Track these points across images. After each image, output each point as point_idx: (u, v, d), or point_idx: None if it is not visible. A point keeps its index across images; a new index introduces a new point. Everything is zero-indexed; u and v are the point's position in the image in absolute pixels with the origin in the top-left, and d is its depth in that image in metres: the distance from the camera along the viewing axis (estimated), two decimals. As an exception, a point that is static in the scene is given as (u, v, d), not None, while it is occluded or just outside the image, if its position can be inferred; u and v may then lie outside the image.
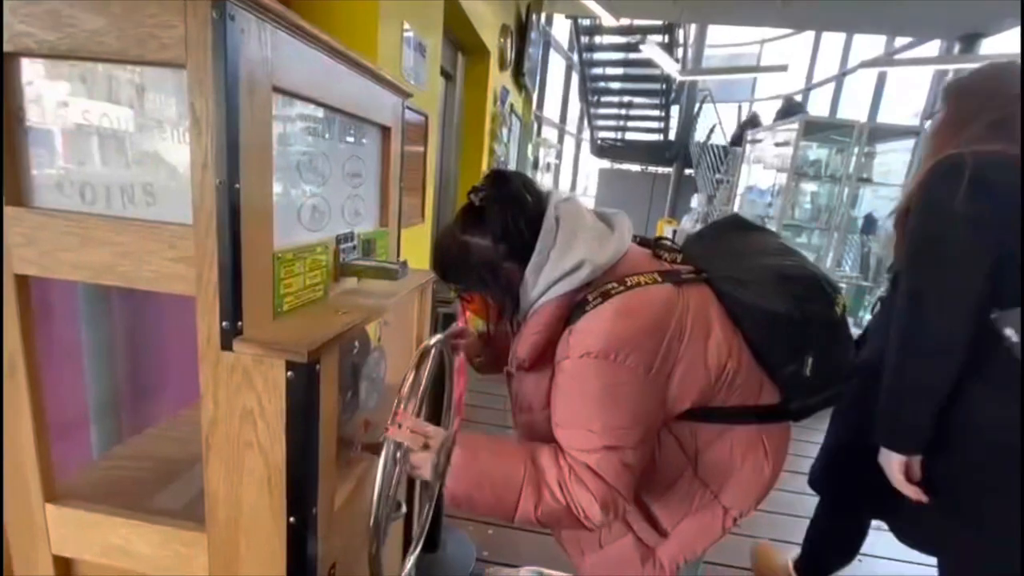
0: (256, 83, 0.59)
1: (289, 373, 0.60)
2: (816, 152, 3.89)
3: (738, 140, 7.49)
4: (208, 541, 0.68)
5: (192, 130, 0.56)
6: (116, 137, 0.60)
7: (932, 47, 5.65)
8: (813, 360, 0.85)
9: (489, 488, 0.72)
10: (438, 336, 0.93)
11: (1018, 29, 4.39)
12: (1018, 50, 4.47)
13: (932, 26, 5.02)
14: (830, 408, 1.02)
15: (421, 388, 0.79)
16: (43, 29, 0.56)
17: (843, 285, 3.69)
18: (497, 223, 0.79)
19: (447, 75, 2.93)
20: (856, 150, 3.31)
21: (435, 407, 1.28)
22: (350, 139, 0.89)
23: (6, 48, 0.58)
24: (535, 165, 5.75)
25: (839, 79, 7.31)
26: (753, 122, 7.31)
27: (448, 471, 0.70)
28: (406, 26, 1.72)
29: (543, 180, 6.12)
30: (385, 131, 1.01)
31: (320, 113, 0.77)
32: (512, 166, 4.55)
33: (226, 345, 0.61)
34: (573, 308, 0.77)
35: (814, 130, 3.50)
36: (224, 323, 0.60)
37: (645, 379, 0.74)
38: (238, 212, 0.58)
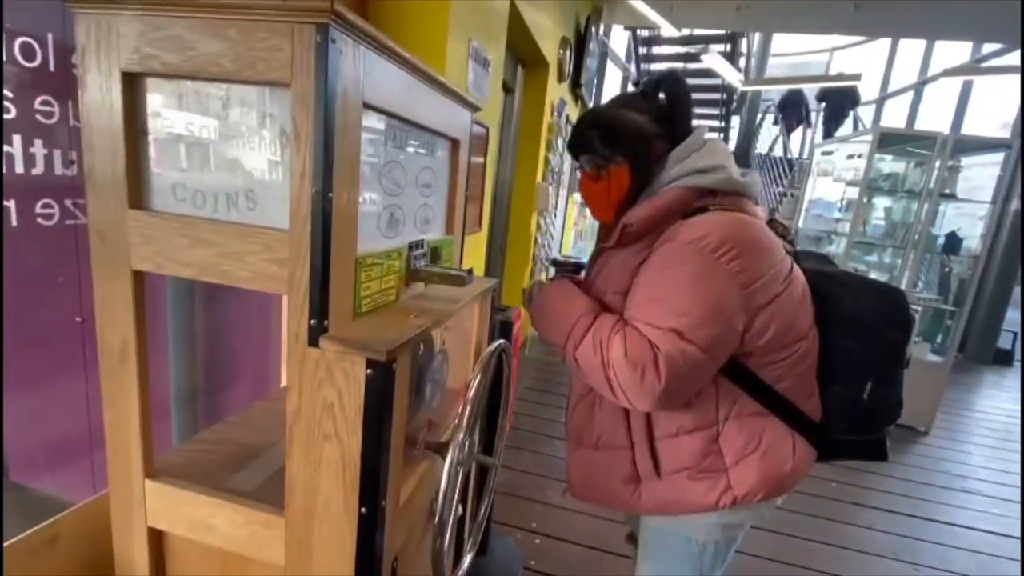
0: (349, 100, 0.63)
1: (369, 370, 0.64)
2: (891, 165, 3.67)
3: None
4: (285, 524, 0.73)
5: (292, 143, 0.61)
6: (223, 149, 0.67)
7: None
8: (871, 387, 0.85)
9: (550, 318, 0.88)
10: (499, 342, 0.95)
11: None
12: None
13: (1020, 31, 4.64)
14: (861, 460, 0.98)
15: (483, 392, 0.82)
16: (168, 52, 0.63)
17: (919, 308, 3.45)
18: (666, 106, 0.88)
19: (507, 88, 2.99)
20: (938, 163, 3.10)
21: (489, 408, 1.30)
22: (424, 151, 0.93)
23: (135, 69, 0.65)
24: (589, 176, 5.72)
25: (918, 88, 6.88)
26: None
27: (534, 297, 0.94)
28: (473, 42, 1.78)
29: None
30: (455, 143, 1.05)
31: (400, 126, 0.82)
32: (566, 176, 4.57)
33: (313, 342, 0.65)
34: (693, 206, 0.82)
35: (890, 142, 3.31)
36: (312, 321, 0.65)
37: (738, 291, 0.75)
38: (330, 219, 0.62)
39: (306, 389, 0.68)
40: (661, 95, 0.89)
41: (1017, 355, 5.55)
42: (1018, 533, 2.28)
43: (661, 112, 0.88)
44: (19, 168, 0.83)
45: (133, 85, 0.66)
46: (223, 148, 0.67)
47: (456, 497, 0.77)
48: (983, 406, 4.09)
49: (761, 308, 0.78)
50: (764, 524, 2.11)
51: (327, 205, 0.62)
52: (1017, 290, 5.43)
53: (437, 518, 0.71)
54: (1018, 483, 2.75)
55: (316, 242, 0.63)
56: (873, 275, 3.75)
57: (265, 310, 1.43)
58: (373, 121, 0.74)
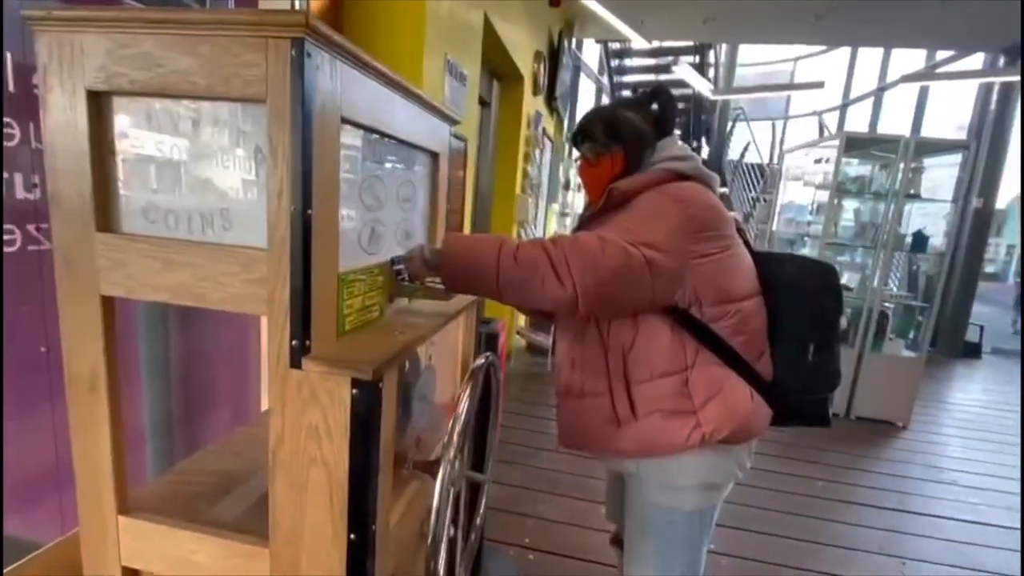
0: (327, 115, 0.62)
1: (354, 390, 0.62)
2: (857, 168, 3.79)
3: None
4: (270, 555, 0.70)
5: (269, 160, 0.59)
6: (196, 168, 0.65)
7: (976, 59, 5.49)
8: (814, 350, 1.00)
9: (473, 249, 0.86)
10: (486, 355, 0.94)
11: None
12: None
13: (975, 38, 4.88)
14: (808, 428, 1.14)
15: (473, 407, 0.80)
16: (136, 69, 0.61)
17: (890, 304, 3.54)
18: (658, 111, 1.06)
19: (483, 102, 3.00)
20: (902, 165, 3.21)
21: (478, 423, 1.28)
22: (404, 165, 0.92)
23: (101, 88, 0.63)
24: (566, 186, 5.78)
25: (878, 94, 7.15)
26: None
27: (437, 257, 0.86)
28: (449, 56, 1.78)
29: (573, 201, 6.15)
30: (434, 157, 1.04)
31: (379, 141, 0.81)
32: (544, 187, 4.60)
33: (295, 363, 0.63)
34: (668, 182, 0.98)
35: (856, 145, 3.42)
36: (294, 342, 0.63)
37: (688, 231, 0.91)
38: (310, 237, 0.61)
39: (289, 412, 0.65)
40: (653, 104, 1.07)
41: (985, 348, 5.74)
42: (997, 522, 2.33)
43: (652, 115, 1.06)
44: (-22, 193, 0.79)
45: (99, 104, 0.64)
46: (196, 167, 0.65)
47: (449, 517, 0.75)
48: (956, 399, 4.21)
49: (705, 256, 0.93)
50: (750, 526, 2.11)
51: (306, 223, 0.60)
52: (981, 285, 5.63)
53: (430, 540, 0.69)
54: (991, 472, 2.83)
55: (296, 261, 0.61)
56: (846, 275, 3.85)
57: (243, 331, 1.39)
58: (351, 136, 0.72)
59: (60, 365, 0.70)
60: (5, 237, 0.83)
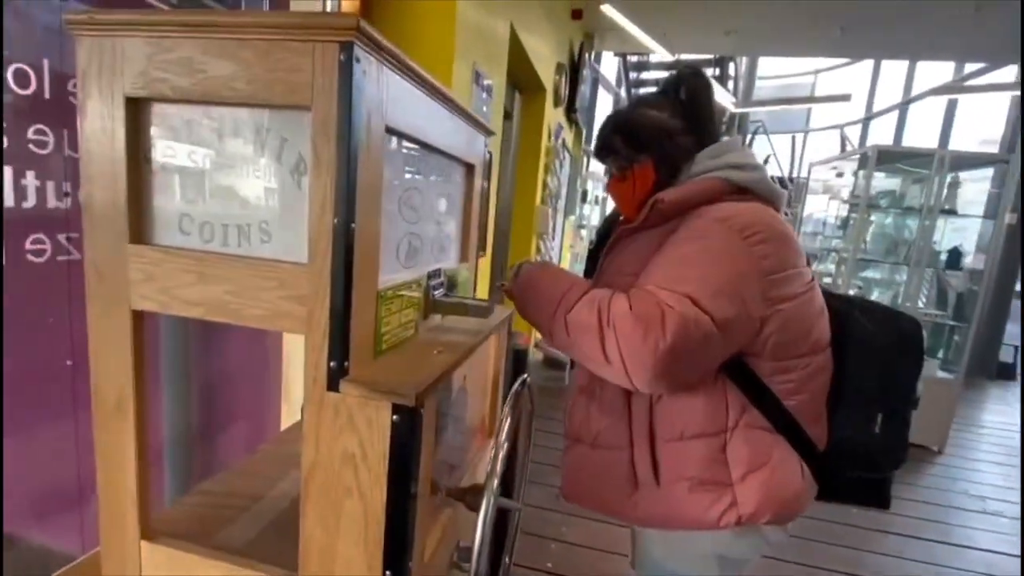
0: (373, 124, 0.59)
1: (395, 416, 0.58)
2: (883, 182, 3.69)
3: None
4: (299, 591, 0.65)
5: (313, 170, 0.56)
6: (234, 177, 0.62)
7: (1008, 71, 5.35)
8: (882, 419, 0.82)
9: (540, 288, 0.83)
10: (523, 377, 0.89)
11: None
12: None
13: (1006, 50, 4.76)
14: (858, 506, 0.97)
15: (514, 434, 0.75)
16: (177, 75, 0.58)
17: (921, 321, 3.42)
18: (688, 102, 0.87)
19: (506, 113, 2.99)
20: (937, 180, 3.12)
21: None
22: (441, 176, 0.89)
23: (141, 94, 0.60)
24: (584, 198, 5.75)
25: (903, 107, 7.02)
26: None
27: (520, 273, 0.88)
28: (476, 66, 1.76)
29: (590, 213, 6.11)
30: (470, 168, 1.01)
31: (419, 151, 0.77)
32: (562, 200, 4.57)
33: (332, 386, 0.59)
34: (724, 199, 0.80)
35: (886, 159, 3.33)
36: (332, 363, 0.59)
37: (760, 277, 0.72)
38: (352, 251, 0.57)
39: (324, 438, 0.61)
40: (682, 93, 0.88)
41: (1019, 369, 5.53)
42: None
43: (684, 108, 0.88)
44: (9, 201, 0.77)
45: (137, 111, 0.61)
46: (234, 177, 0.62)
47: (488, 549, 0.70)
48: (991, 422, 4.04)
49: (781, 302, 0.75)
50: (785, 555, 2.02)
51: (349, 237, 0.57)
52: (1015, 303, 5.45)
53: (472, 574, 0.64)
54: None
55: (337, 276, 0.57)
56: (875, 292, 3.74)
57: (264, 343, 1.36)
58: (393, 145, 0.69)
59: (84, 379, 0.68)
60: (36, 247, 0.81)
